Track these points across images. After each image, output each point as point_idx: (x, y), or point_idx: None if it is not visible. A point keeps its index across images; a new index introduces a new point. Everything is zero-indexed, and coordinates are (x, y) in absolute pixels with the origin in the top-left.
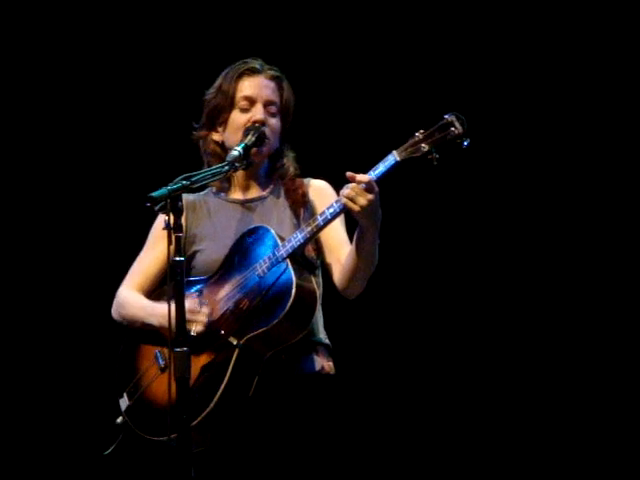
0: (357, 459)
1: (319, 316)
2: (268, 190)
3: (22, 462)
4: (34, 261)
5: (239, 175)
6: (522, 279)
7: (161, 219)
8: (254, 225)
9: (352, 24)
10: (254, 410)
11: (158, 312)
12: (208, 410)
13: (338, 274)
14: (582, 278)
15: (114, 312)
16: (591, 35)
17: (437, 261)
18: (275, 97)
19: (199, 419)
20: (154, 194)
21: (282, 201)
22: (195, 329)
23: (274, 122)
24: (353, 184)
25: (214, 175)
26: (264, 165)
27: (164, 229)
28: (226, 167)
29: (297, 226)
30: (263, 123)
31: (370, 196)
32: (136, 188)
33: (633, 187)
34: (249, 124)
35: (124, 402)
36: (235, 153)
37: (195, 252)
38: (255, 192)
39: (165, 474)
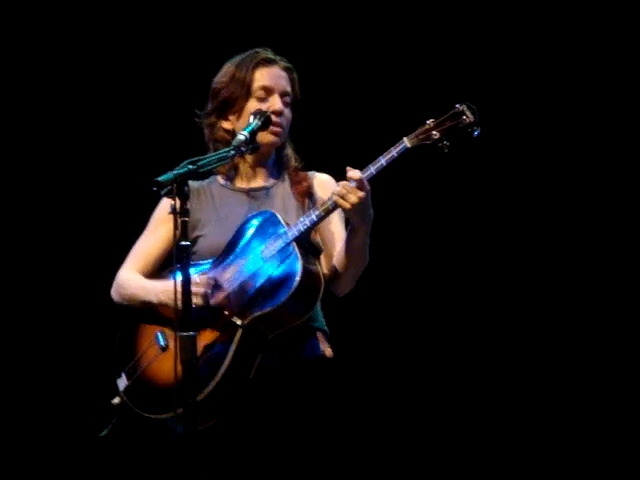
0: (355, 442)
1: (318, 302)
2: (273, 180)
3: (19, 445)
4: (33, 242)
5: (246, 164)
6: (522, 274)
7: (164, 203)
8: (261, 209)
9: (357, 15)
10: (255, 394)
11: (158, 289)
12: (210, 388)
13: (327, 270)
14: (582, 276)
15: (114, 293)
16: (597, 29)
17: (435, 251)
18: (289, 88)
19: (201, 397)
20: (160, 178)
21: (287, 191)
22: (195, 301)
23: (288, 112)
24: (344, 181)
25: (220, 160)
26: (272, 156)
27: (170, 213)
28: (232, 152)
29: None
30: (281, 113)
31: (361, 194)
32: (135, 173)
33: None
34: (269, 113)
35: (122, 382)
36: (241, 137)
37: (197, 237)
38: (261, 182)
39: (168, 456)
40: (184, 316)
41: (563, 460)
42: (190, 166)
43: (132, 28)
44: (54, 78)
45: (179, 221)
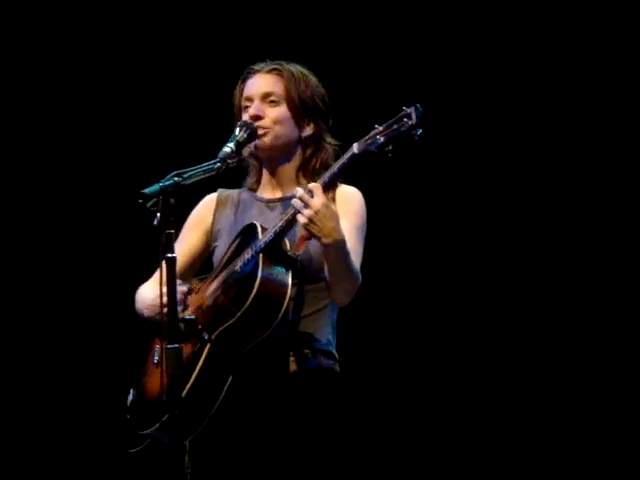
0: (358, 455)
1: (324, 323)
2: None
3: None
4: (51, 251)
5: (264, 173)
6: (519, 275)
7: (196, 210)
8: (247, 223)
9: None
10: (253, 407)
11: (148, 301)
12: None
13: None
14: (580, 274)
15: (135, 307)
16: (580, 25)
17: (435, 258)
18: (273, 87)
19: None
20: (146, 191)
21: None
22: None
23: (275, 111)
24: (301, 192)
25: (205, 172)
26: (290, 158)
27: (155, 226)
28: (217, 164)
29: None
30: (257, 117)
31: (315, 202)
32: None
33: (622, 180)
34: (253, 124)
35: (130, 398)
36: (227, 150)
37: (214, 248)
38: (285, 191)
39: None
40: (170, 329)
41: (563, 460)
42: (176, 178)
43: (129, 33)
44: (53, 79)
45: (163, 234)
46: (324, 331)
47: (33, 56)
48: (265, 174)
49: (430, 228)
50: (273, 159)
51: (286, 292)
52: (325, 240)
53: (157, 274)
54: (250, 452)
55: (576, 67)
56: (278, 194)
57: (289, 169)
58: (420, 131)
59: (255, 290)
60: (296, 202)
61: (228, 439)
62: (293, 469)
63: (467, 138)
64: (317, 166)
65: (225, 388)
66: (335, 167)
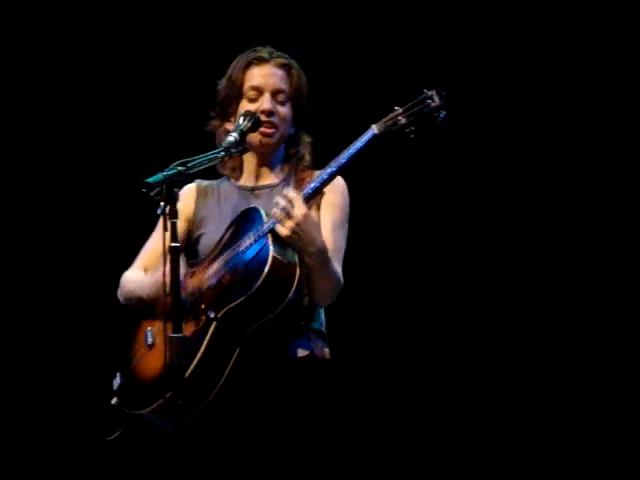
0: (350, 446)
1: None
2: (280, 178)
3: (20, 445)
4: (34, 243)
5: (252, 162)
6: (519, 278)
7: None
8: (247, 207)
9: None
10: (246, 397)
11: (146, 283)
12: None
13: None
14: (576, 274)
15: (118, 294)
16: (581, 24)
17: (429, 249)
18: (283, 85)
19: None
20: (149, 180)
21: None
22: None
23: (283, 110)
24: (283, 202)
25: (210, 160)
26: (278, 152)
27: (159, 214)
28: (222, 152)
29: None
30: (271, 112)
31: (296, 213)
32: (144, 171)
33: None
34: (258, 114)
35: (116, 381)
36: (231, 139)
37: (200, 235)
38: (267, 179)
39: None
40: (174, 317)
41: (563, 460)
42: (180, 167)
43: (126, 34)
44: (52, 80)
45: (169, 223)
46: (319, 310)
47: (33, 53)
48: (250, 164)
49: (423, 220)
50: (266, 155)
51: (295, 273)
52: (305, 250)
53: (139, 261)
54: (241, 440)
55: (575, 67)
56: (259, 183)
57: (274, 162)
58: (444, 113)
59: (267, 268)
60: (276, 213)
61: (220, 426)
62: (284, 461)
63: (463, 133)
64: (299, 160)
65: (228, 367)
66: (352, 147)
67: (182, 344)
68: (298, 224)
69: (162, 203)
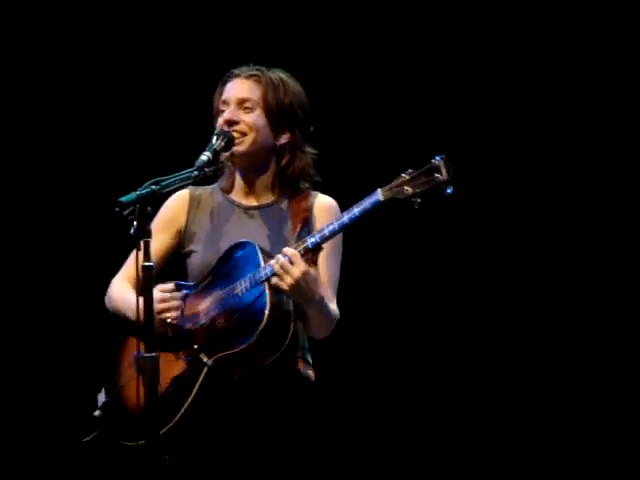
0: (335, 468)
1: (301, 330)
2: (274, 198)
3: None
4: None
5: (238, 176)
6: (510, 274)
7: (164, 209)
8: (242, 240)
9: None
10: (231, 419)
11: (130, 304)
12: (172, 424)
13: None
14: (573, 271)
15: (105, 302)
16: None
17: (421, 267)
18: (249, 94)
19: (165, 429)
20: (122, 199)
21: (284, 213)
22: (169, 315)
23: (250, 117)
24: (282, 260)
25: (183, 180)
26: (264, 165)
27: (131, 235)
28: (195, 172)
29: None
30: (232, 122)
31: (295, 271)
32: (135, 179)
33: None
34: (220, 127)
35: (101, 397)
36: (204, 158)
37: (191, 251)
38: (260, 198)
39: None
40: (147, 336)
41: (563, 460)
42: (153, 186)
43: (109, 41)
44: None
45: (141, 243)
46: (303, 337)
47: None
48: (239, 180)
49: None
50: (249, 167)
51: (291, 319)
52: (303, 302)
53: (125, 269)
54: (226, 464)
55: (575, 67)
56: (253, 201)
57: (264, 177)
58: (451, 189)
59: (265, 321)
60: (276, 267)
61: (204, 449)
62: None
63: (461, 138)
64: (294, 175)
65: (215, 409)
66: (355, 209)
67: (155, 364)
68: (297, 282)
69: (135, 222)
